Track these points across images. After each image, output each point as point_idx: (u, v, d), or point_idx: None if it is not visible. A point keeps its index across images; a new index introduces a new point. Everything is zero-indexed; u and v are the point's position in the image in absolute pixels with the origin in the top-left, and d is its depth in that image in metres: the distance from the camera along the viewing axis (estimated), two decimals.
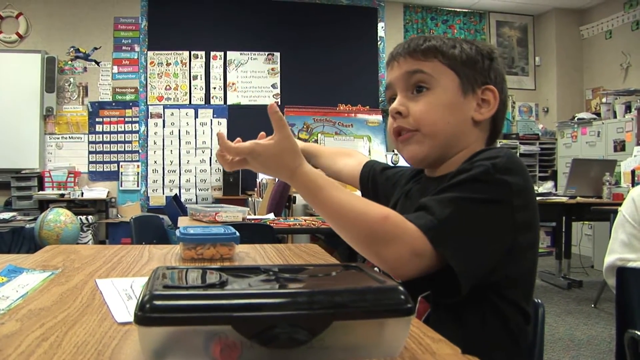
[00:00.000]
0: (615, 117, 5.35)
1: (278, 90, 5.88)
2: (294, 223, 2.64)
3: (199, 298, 0.47)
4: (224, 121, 5.74)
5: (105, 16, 5.58)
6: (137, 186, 5.60)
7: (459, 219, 0.70)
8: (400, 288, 0.50)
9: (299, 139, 5.09)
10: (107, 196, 5.38)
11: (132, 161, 5.60)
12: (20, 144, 5.23)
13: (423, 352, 0.54)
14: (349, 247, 0.74)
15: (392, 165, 1.18)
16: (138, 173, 5.60)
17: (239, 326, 0.45)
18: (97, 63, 5.56)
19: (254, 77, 5.85)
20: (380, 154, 5.65)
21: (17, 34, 5.37)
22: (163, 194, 5.62)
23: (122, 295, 0.75)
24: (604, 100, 5.63)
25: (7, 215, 4.65)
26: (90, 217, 5.07)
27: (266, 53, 5.86)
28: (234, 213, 2.42)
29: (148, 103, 5.65)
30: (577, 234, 4.94)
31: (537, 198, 1.17)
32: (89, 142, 5.52)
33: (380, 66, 6.10)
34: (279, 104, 5.65)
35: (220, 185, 5.63)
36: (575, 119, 5.79)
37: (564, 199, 3.87)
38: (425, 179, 0.94)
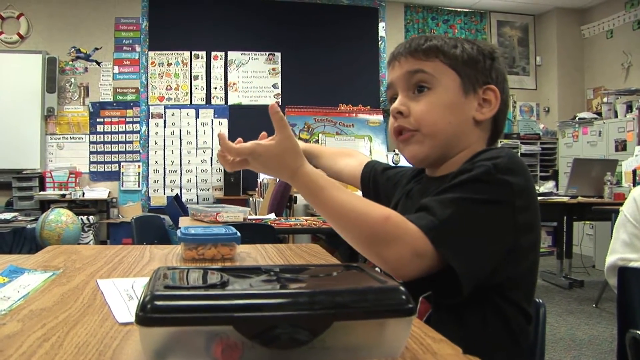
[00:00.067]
0: (616, 116, 5.35)
1: (279, 90, 5.88)
2: (295, 223, 2.64)
3: (200, 298, 0.47)
4: (224, 121, 5.74)
5: (106, 16, 5.59)
6: (138, 186, 5.61)
7: (460, 219, 0.70)
8: (402, 288, 0.50)
9: (300, 139, 5.09)
10: (108, 196, 5.38)
11: (133, 161, 5.60)
12: (21, 145, 5.23)
13: (424, 353, 0.54)
14: (350, 247, 0.74)
15: (393, 165, 1.18)
16: (139, 173, 5.60)
17: (240, 326, 0.45)
18: (98, 63, 5.57)
19: (254, 77, 5.85)
20: (381, 154, 5.65)
21: (18, 34, 5.37)
22: (164, 194, 5.62)
23: (123, 295, 0.75)
24: (605, 99, 5.63)
25: (8, 215, 4.65)
26: (91, 217, 5.08)
27: (267, 53, 5.86)
28: (235, 213, 2.42)
29: (149, 103, 5.65)
30: (578, 233, 4.94)
31: (538, 198, 1.16)
32: (90, 143, 5.52)
33: (381, 66, 6.10)
34: (280, 104, 5.65)
35: (221, 186, 5.63)
36: (577, 118, 5.78)
37: (565, 199, 3.87)
38: (426, 179, 0.94)
